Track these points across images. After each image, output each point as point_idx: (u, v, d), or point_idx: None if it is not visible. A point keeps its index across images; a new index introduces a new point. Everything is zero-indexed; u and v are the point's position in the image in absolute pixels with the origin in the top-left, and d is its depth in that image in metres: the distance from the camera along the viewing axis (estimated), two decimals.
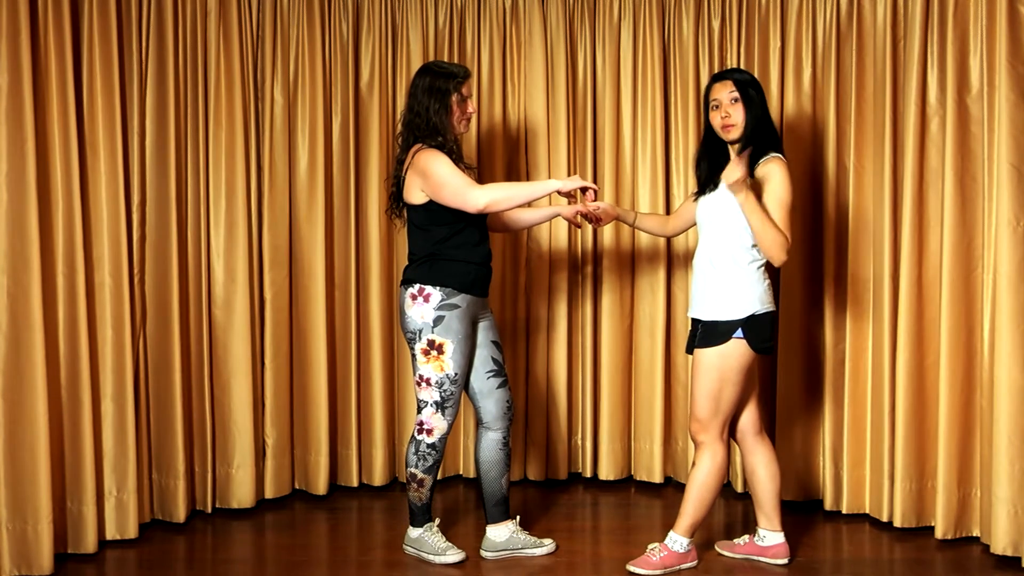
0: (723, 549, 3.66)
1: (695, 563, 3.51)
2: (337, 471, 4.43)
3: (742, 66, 4.19)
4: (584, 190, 3.38)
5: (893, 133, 3.83)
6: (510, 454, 3.62)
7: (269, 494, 4.27)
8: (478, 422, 3.62)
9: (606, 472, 4.48)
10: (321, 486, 4.32)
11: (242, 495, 4.14)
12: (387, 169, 4.28)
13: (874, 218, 3.91)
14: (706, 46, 4.30)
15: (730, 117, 3.36)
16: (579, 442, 4.54)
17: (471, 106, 3.53)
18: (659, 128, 4.32)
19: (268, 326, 4.25)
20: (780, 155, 3.35)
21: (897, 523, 3.83)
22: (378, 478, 4.43)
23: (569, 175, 4.35)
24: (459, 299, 3.44)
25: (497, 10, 4.36)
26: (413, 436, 3.55)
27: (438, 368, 3.45)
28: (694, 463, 3.43)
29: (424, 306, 3.43)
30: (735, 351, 3.31)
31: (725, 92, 3.37)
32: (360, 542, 3.93)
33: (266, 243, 4.22)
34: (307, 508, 4.25)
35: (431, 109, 3.44)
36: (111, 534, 3.74)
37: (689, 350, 3.47)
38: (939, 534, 3.72)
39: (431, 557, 3.60)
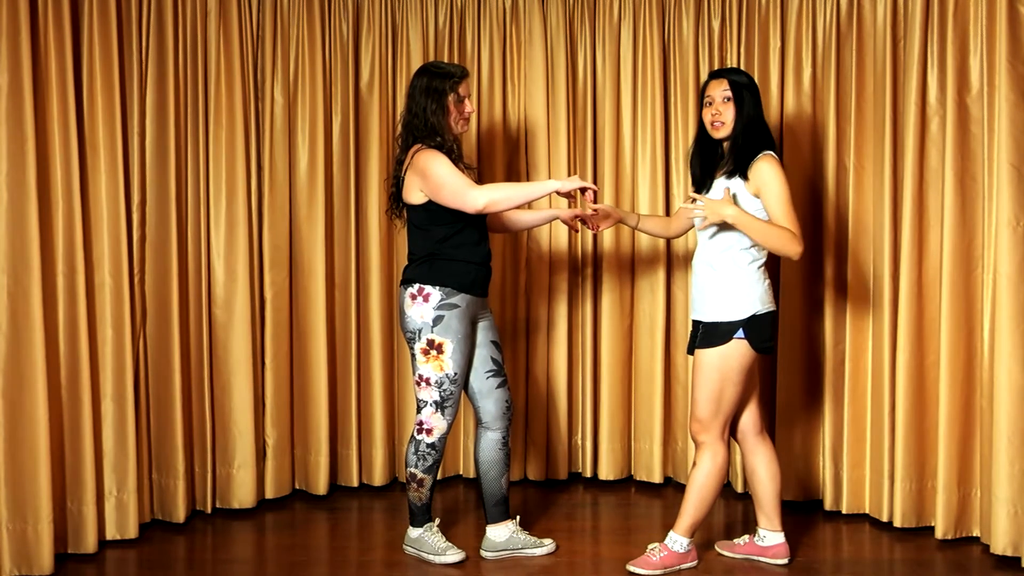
0: (723, 549, 3.66)
1: (695, 563, 3.51)
2: (337, 471, 4.43)
3: (742, 66, 4.19)
4: (584, 191, 3.38)
5: (893, 133, 3.83)
6: (509, 454, 3.62)
7: (269, 494, 4.27)
8: (477, 422, 3.62)
9: (606, 472, 4.48)
10: (321, 486, 4.32)
11: (242, 495, 4.14)
12: (387, 169, 4.28)
13: (874, 218, 3.91)
14: (706, 46, 4.30)
15: (720, 115, 3.35)
16: (579, 442, 4.54)
17: (469, 106, 3.53)
18: (659, 128, 4.32)
19: (268, 326, 4.25)
20: (771, 152, 3.34)
21: (897, 523, 3.83)
22: (378, 478, 4.43)
23: (569, 175, 4.35)
24: (459, 299, 3.44)
25: (497, 10, 4.36)
26: (413, 436, 3.55)
27: (438, 368, 3.45)
28: (694, 463, 3.43)
29: (424, 306, 3.43)
30: (736, 351, 3.31)
31: (719, 90, 3.37)
32: (360, 542, 3.93)
33: (266, 243, 4.22)
34: (307, 508, 4.25)
35: (428, 109, 3.44)
36: (111, 534, 3.74)
37: (690, 351, 3.47)
38: (939, 534, 3.72)
39: (431, 557, 3.60)
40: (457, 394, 3.51)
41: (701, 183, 3.48)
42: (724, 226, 3.33)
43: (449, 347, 3.43)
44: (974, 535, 3.73)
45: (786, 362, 4.12)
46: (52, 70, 3.44)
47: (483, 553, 3.65)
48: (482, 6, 4.37)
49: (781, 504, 3.55)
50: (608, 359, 4.44)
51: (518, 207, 3.42)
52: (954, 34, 3.64)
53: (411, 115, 3.49)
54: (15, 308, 3.33)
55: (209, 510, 4.10)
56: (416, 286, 3.45)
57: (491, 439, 3.58)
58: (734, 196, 3.32)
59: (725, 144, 3.40)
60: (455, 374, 3.46)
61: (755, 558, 3.58)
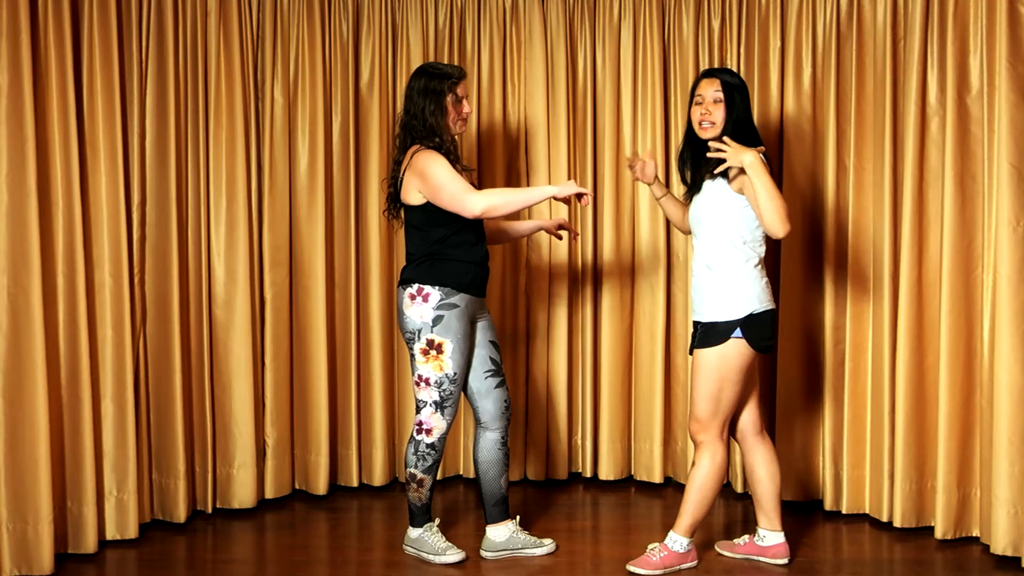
0: (723, 549, 3.66)
1: (695, 563, 3.51)
2: (337, 471, 4.43)
3: (742, 66, 4.19)
4: (580, 196, 3.38)
5: (893, 133, 3.82)
6: (509, 454, 3.62)
7: (269, 494, 4.27)
8: (476, 422, 3.62)
9: (606, 472, 4.48)
10: (321, 486, 4.32)
11: (242, 495, 4.14)
12: (387, 169, 4.28)
13: (874, 218, 3.91)
14: (706, 46, 4.30)
15: (710, 115, 3.35)
16: (579, 442, 4.54)
17: (467, 107, 3.53)
18: (659, 128, 4.32)
19: (268, 326, 4.25)
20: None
21: (897, 523, 3.83)
22: (378, 478, 4.44)
23: (569, 176, 4.35)
24: (458, 299, 3.44)
25: (497, 10, 4.36)
26: (412, 436, 3.55)
27: (437, 368, 3.45)
28: (694, 463, 3.43)
29: (423, 306, 3.43)
30: (735, 351, 3.31)
31: (711, 90, 3.36)
32: (360, 542, 3.93)
33: (266, 243, 4.22)
34: (307, 508, 4.25)
35: (427, 110, 3.44)
36: (111, 534, 3.74)
37: (691, 352, 3.46)
38: (939, 534, 3.72)
39: (431, 557, 3.60)
40: (457, 394, 3.51)
41: (692, 186, 3.47)
42: (719, 225, 3.32)
43: (449, 347, 3.43)
44: (974, 535, 3.73)
45: (786, 362, 4.12)
46: (52, 70, 3.44)
47: (483, 553, 3.65)
48: (482, 6, 4.37)
49: (781, 504, 3.54)
50: (608, 359, 4.44)
51: (514, 214, 3.42)
52: (954, 34, 3.64)
53: (409, 116, 3.49)
54: (15, 308, 3.34)
55: (209, 510, 4.10)
56: (415, 286, 3.45)
57: (490, 439, 3.58)
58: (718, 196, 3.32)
59: (712, 144, 3.39)
60: (454, 374, 3.47)
61: (755, 558, 3.58)
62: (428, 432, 3.51)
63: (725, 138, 3.28)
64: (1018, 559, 3.49)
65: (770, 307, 3.37)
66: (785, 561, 3.55)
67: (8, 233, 3.33)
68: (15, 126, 3.31)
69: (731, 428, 3.51)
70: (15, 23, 3.30)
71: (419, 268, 3.46)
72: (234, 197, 4.07)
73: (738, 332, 3.29)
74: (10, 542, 3.36)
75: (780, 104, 4.12)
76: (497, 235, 3.82)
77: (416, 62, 4.31)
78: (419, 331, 3.44)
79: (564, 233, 3.84)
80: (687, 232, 3.76)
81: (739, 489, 4.30)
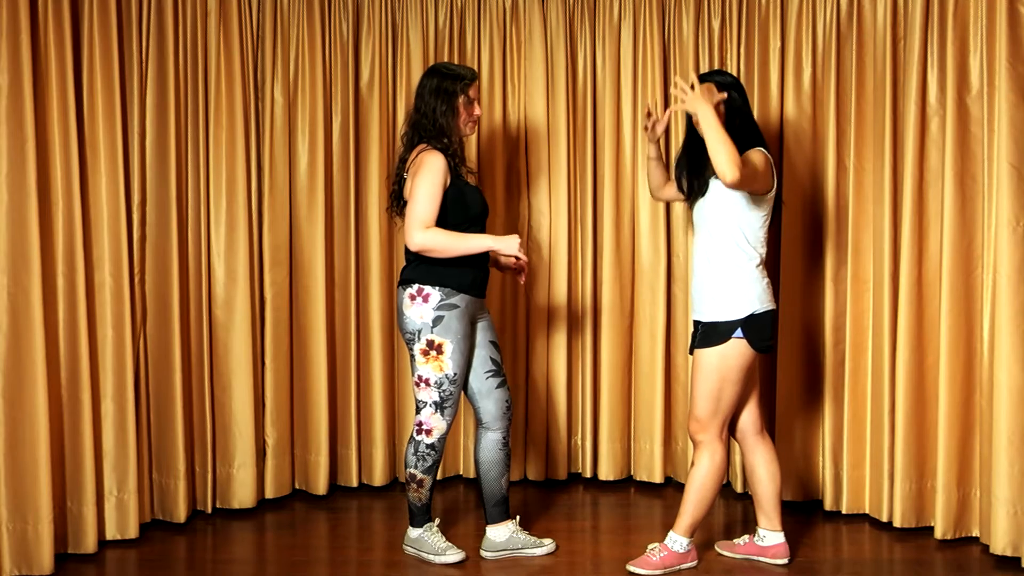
0: (723, 549, 3.66)
1: (695, 563, 3.51)
2: (337, 471, 4.43)
3: (742, 66, 4.20)
4: (519, 271, 3.55)
5: (893, 133, 3.82)
6: (510, 454, 3.62)
7: (269, 494, 4.27)
8: (477, 422, 3.62)
9: (606, 472, 4.48)
10: (321, 486, 4.32)
11: (243, 495, 4.14)
12: (387, 169, 4.28)
13: (874, 218, 3.91)
14: (706, 46, 4.30)
15: None
16: (579, 442, 4.54)
17: (477, 109, 3.54)
18: None
19: (268, 326, 4.25)
20: (760, 148, 3.35)
21: (897, 523, 3.83)
22: (378, 478, 4.44)
23: (569, 177, 4.36)
24: (458, 299, 3.44)
25: (497, 10, 4.36)
26: (412, 436, 3.55)
27: (437, 368, 3.45)
28: (693, 463, 3.43)
29: (423, 306, 3.43)
30: (735, 351, 3.31)
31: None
32: (360, 542, 3.93)
33: (266, 243, 4.22)
34: (307, 508, 4.25)
35: (438, 110, 3.44)
36: (111, 534, 3.74)
37: (692, 351, 3.47)
38: (939, 534, 3.72)
39: (431, 557, 3.60)
40: (457, 394, 3.51)
41: (691, 191, 3.47)
42: (720, 226, 3.33)
43: (449, 347, 3.43)
44: (974, 535, 3.73)
45: (786, 362, 4.12)
46: (52, 70, 3.44)
47: (483, 553, 3.65)
48: (482, 6, 4.37)
49: (781, 504, 3.55)
50: (608, 359, 4.44)
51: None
52: (954, 34, 3.64)
53: (419, 115, 3.48)
54: (15, 308, 3.33)
55: (209, 510, 4.10)
56: (415, 286, 3.45)
57: (491, 439, 3.58)
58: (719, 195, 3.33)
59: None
60: (455, 374, 3.46)
61: (755, 558, 3.58)
62: (428, 432, 3.51)
63: (694, 81, 3.30)
64: (1018, 559, 3.49)
65: (771, 307, 3.37)
66: (785, 561, 3.55)
67: (8, 233, 3.33)
68: (15, 126, 3.31)
69: (731, 428, 3.51)
70: (15, 23, 3.30)
71: (419, 268, 3.46)
72: (234, 197, 4.07)
73: (739, 332, 3.30)
74: (10, 542, 3.36)
75: (780, 104, 4.12)
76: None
77: (416, 62, 4.31)
78: (419, 331, 3.44)
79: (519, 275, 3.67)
80: (659, 200, 3.81)
81: (739, 489, 4.30)
